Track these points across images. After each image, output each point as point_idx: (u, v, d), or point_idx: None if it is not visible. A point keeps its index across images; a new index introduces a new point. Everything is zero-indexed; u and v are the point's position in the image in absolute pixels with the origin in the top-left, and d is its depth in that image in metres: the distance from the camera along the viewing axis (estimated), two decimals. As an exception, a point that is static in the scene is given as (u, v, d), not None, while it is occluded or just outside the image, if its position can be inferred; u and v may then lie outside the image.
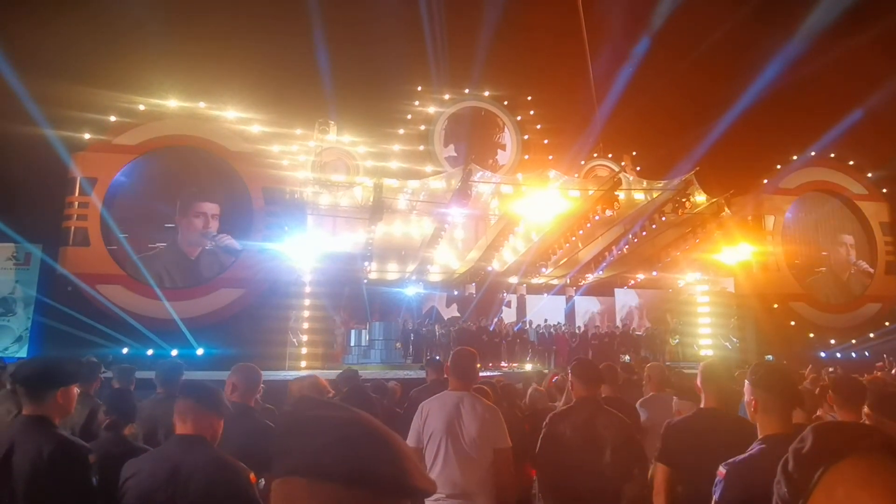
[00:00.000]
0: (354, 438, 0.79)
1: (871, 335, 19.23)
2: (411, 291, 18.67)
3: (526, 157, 21.08)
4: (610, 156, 22.01)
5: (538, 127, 21.66)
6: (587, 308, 21.01)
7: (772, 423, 2.20)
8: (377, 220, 14.23)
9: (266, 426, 3.03)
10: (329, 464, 0.76)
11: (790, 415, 2.25)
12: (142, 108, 15.80)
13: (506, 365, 16.81)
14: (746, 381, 2.33)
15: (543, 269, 18.62)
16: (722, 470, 2.10)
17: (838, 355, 18.35)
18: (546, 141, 21.61)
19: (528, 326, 18.38)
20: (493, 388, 5.00)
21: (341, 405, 0.86)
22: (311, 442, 0.78)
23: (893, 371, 8.09)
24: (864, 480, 0.79)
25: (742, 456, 2.14)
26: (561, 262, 17.97)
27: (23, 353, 14.06)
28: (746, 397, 2.32)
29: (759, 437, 2.23)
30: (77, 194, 15.12)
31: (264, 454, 0.84)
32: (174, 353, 13.79)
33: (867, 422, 2.87)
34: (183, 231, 16.19)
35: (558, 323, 18.78)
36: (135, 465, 2.30)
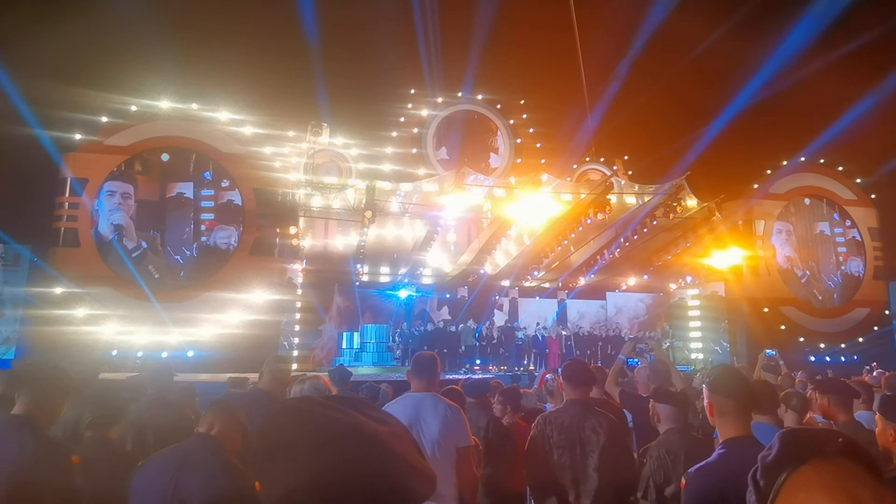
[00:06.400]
0: (347, 453, 0.76)
1: (860, 340, 19.38)
2: (403, 294, 18.66)
3: (518, 160, 21.12)
4: (602, 160, 22.12)
5: (531, 131, 21.72)
6: (579, 311, 21.09)
7: (729, 427, 2.22)
8: (371, 222, 14.20)
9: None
10: (328, 486, 0.75)
11: (747, 418, 2.27)
12: (133, 109, 15.70)
13: (494, 368, 16.85)
14: (704, 386, 2.35)
15: (535, 272, 18.64)
16: (682, 481, 2.15)
17: (827, 359, 18.48)
18: (539, 145, 21.67)
19: (492, 330, 18.15)
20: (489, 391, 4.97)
21: (332, 408, 0.83)
22: (304, 460, 0.76)
23: (874, 374, 8.17)
24: (825, 484, 0.79)
25: (701, 463, 2.17)
26: (553, 266, 17.99)
27: (10, 356, 13.91)
28: (704, 402, 2.34)
29: (720, 441, 2.24)
30: (67, 195, 15.00)
31: None
32: (164, 354, 13.71)
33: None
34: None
35: (545, 328, 18.84)
36: (149, 458, 2.36)
